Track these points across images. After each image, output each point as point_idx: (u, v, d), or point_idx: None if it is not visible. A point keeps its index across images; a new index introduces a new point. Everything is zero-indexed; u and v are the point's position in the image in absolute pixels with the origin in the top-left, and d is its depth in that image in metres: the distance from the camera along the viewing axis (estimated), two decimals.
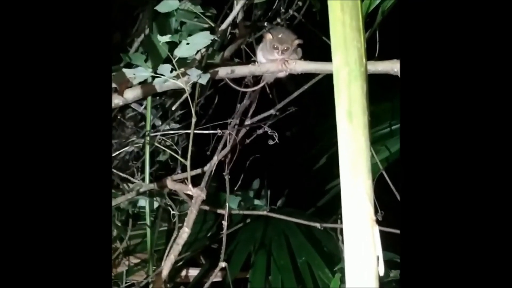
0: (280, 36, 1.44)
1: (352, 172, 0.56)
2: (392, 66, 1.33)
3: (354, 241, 0.56)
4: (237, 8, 1.63)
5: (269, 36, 1.45)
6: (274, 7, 2.01)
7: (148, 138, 1.56)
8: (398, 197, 1.60)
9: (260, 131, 1.63)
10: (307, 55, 1.51)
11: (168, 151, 1.53)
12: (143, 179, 1.81)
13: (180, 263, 1.87)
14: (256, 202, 2.11)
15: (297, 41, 1.43)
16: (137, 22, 2.15)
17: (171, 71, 1.34)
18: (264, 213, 1.81)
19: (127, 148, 1.64)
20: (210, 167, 1.48)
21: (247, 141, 1.74)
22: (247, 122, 1.66)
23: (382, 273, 0.55)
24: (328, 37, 0.61)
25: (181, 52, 1.31)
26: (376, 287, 0.54)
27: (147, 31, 1.82)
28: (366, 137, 0.57)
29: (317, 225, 1.70)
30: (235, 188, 2.07)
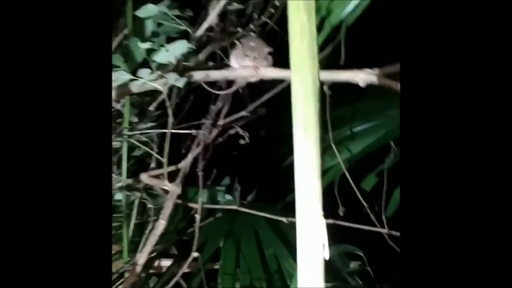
0: (251, 44, 1.55)
1: (306, 176, 0.68)
2: (353, 76, 1.46)
3: (305, 232, 0.68)
4: (212, 15, 1.74)
5: (241, 44, 1.57)
6: (248, 12, 2.12)
7: (126, 136, 1.66)
8: (359, 195, 1.74)
9: (232, 131, 1.75)
10: (278, 61, 1.63)
11: (146, 149, 1.63)
12: (120, 174, 1.90)
13: (153, 254, 1.96)
14: (227, 197, 2.21)
15: (267, 49, 1.55)
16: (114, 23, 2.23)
17: (149, 74, 1.44)
18: (234, 207, 1.92)
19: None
20: (185, 164, 1.59)
21: (220, 140, 1.86)
22: (220, 123, 1.78)
23: (327, 257, 0.67)
24: None
25: (160, 58, 1.42)
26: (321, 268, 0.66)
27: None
28: (318, 148, 0.68)
29: (283, 219, 1.83)
30: (207, 184, 2.18)
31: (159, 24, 1.66)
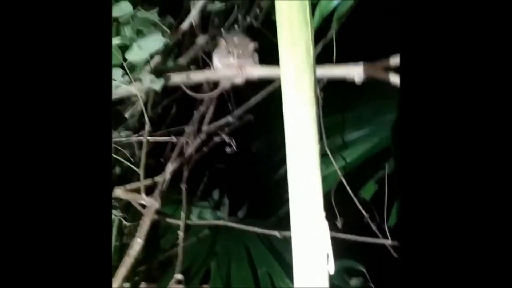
0: (234, 40, 1.41)
1: (301, 166, 0.53)
2: (349, 71, 1.32)
3: (303, 241, 0.52)
4: (192, 13, 1.60)
5: (223, 40, 1.42)
6: (233, 14, 2.00)
7: None
8: (358, 204, 1.60)
9: (217, 139, 1.60)
10: (265, 63, 1.49)
11: (119, 158, 1.47)
12: None
13: (136, 278, 1.79)
14: (216, 212, 2.06)
15: (252, 45, 1.41)
16: None
17: (122, 76, 1.29)
18: (221, 222, 1.76)
19: None
20: (164, 175, 1.43)
21: (205, 149, 1.71)
22: (204, 129, 1.62)
23: (332, 272, 0.52)
24: None
25: (132, 55, 1.27)
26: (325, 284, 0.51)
27: None
28: (315, 135, 0.53)
29: (276, 233, 1.67)
30: (194, 199, 2.03)
31: (139, 32, 1.52)
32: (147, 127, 1.33)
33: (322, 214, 0.52)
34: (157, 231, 1.83)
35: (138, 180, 1.66)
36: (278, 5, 0.56)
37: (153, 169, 1.69)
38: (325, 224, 0.52)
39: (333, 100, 1.68)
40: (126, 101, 1.68)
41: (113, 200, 1.66)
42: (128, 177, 2.05)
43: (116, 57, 1.31)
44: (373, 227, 1.60)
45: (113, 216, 1.77)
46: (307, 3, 0.58)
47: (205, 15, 1.95)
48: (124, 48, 1.31)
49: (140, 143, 1.82)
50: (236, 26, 1.88)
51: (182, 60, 1.69)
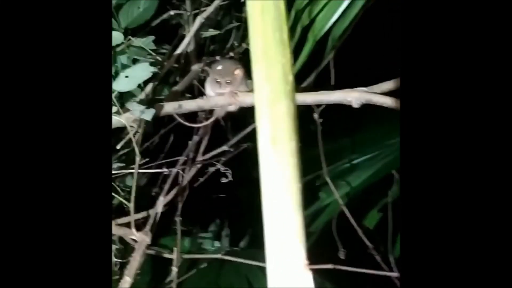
0: (218, 68, 1.36)
1: (277, 207, 0.47)
2: (345, 96, 1.26)
3: None
4: (185, 40, 1.56)
5: (209, 71, 1.38)
6: (230, 41, 1.97)
7: None
8: (360, 234, 1.53)
9: (212, 169, 1.54)
10: None
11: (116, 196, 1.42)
12: None
13: None
14: (216, 244, 2.00)
15: (238, 71, 1.35)
16: None
17: None
18: (218, 256, 1.69)
19: None
20: (155, 208, 1.37)
21: (201, 179, 1.65)
22: (199, 159, 1.57)
23: None
24: None
25: (119, 85, 1.22)
26: None
27: None
28: (294, 166, 0.48)
29: None
30: (194, 230, 1.97)
31: (135, 61, 1.48)
32: (138, 159, 1.27)
33: (303, 255, 0.46)
34: (154, 265, 1.76)
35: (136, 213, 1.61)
36: (250, 13, 0.51)
37: (152, 202, 1.64)
38: (308, 276, 0.46)
39: (335, 124, 1.62)
40: (119, 132, 1.64)
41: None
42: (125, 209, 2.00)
43: None
44: (378, 258, 1.52)
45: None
46: (282, 11, 0.52)
47: (201, 42, 1.93)
48: (113, 78, 1.27)
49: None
50: (231, 53, 1.84)
51: (177, 89, 1.65)
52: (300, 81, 1.52)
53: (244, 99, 1.34)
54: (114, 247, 1.68)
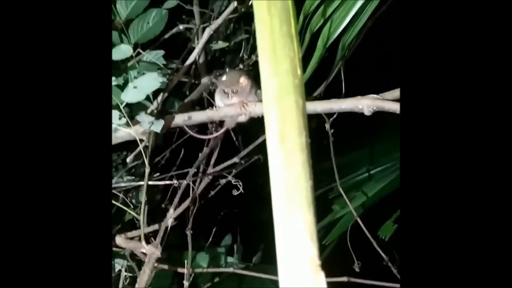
0: (224, 79, 1.35)
1: (287, 205, 0.45)
2: (357, 103, 1.24)
3: None
4: (195, 52, 1.56)
5: (216, 82, 1.38)
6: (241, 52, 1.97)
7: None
8: (376, 246, 1.49)
9: (223, 181, 1.52)
10: None
11: (119, 205, 1.40)
12: None
13: None
14: (229, 259, 1.96)
15: (243, 79, 1.34)
16: None
17: (120, 118, 1.24)
18: (231, 270, 1.66)
19: None
20: (165, 221, 1.35)
21: (212, 192, 1.63)
22: (209, 171, 1.55)
23: None
24: None
25: (128, 97, 1.21)
26: None
27: None
28: (304, 163, 0.46)
29: None
30: (206, 245, 1.94)
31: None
32: (147, 171, 1.26)
33: (317, 263, 0.43)
34: (165, 280, 1.73)
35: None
36: (256, 7, 0.49)
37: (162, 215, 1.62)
38: (321, 276, 0.43)
39: (349, 136, 1.60)
40: (128, 145, 1.63)
41: (118, 249, 1.58)
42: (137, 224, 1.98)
43: (113, 98, 1.26)
44: (394, 270, 1.48)
45: (118, 266, 1.69)
46: (289, 4, 0.50)
47: (210, 55, 1.92)
48: (122, 89, 1.26)
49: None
50: (241, 65, 1.84)
51: (187, 101, 1.64)
52: (310, 91, 1.50)
53: (254, 109, 1.32)
54: (124, 262, 1.66)
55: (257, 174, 1.93)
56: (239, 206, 2.13)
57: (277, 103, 0.46)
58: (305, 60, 1.25)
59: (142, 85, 1.20)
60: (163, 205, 1.54)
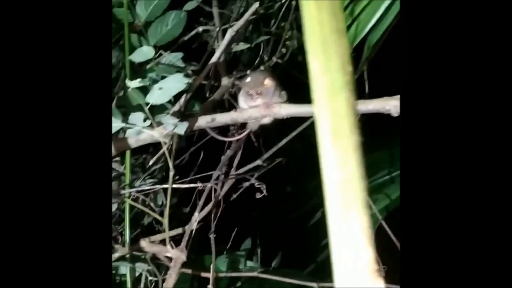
0: (248, 80, 1.34)
1: (343, 207, 0.43)
2: (384, 104, 1.22)
3: None
4: (217, 53, 1.54)
5: (240, 84, 1.36)
6: (260, 54, 1.95)
7: (126, 196, 1.41)
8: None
9: (246, 184, 1.50)
10: (293, 103, 1.41)
11: (143, 208, 1.38)
12: (123, 244, 1.65)
13: None
14: (248, 263, 1.94)
15: (268, 80, 1.32)
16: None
17: (144, 121, 1.22)
18: (255, 274, 1.64)
19: None
20: (190, 224, 1.33)
21: (234, 196, 1.61)
22: (232, 174, 1.53)
23: None
24: None
25: (153, 98, 1.20)
26: None
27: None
28: (358, 162, 0.44)
29: (314, 285, 1.53)
30: (226, 249, 1.92)
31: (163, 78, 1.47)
32: (172, 174, 1.24)
33: (374, 268, 0.41)
34: (184, 284, 1.72)
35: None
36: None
37: (182, 219, 1.60)
38: (379, 283, 0.41)
39: (375, 135, 1.58)
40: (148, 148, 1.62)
41: (139, 253, 1.57)
42: (153, 226, 1.97)
43: (137, 100, 1.25)
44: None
45: (140, 270, 1.68)
46: (338, 6, 0.48)
47: (230, 57, 1.91)
48: (145, 91, 1.25)
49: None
50: (262, 67, 1.82)
51: (208, 104, 1.63)
52: None
53: (279, 111, 1.31)
54: (145, 266, 1.65)
55: (278, 177, 1.91)
56: (257, 209, 2.11)
57: (329, 101, 0.44)
58: None
59: (168, 87, 1.19)
60: (187, 209, 1.52)
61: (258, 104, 1.33)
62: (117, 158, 1.80)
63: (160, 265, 1.73)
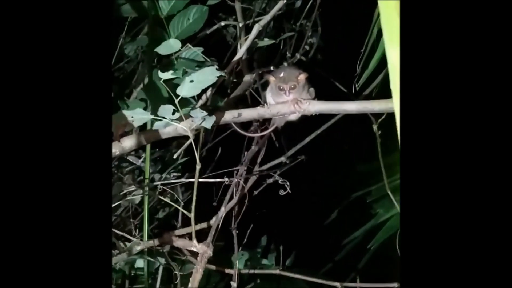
0: (282, 75, 1.32)
1: None
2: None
3: None
4: (243, 48, 1.53)
5: (272, 78, 1.34)
6: (280, 50, 1.94)
7: (147, 189, 1.40)
8: None
9: (270, 180, 1.49)
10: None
11: (170, 202, 1.37)
12: (141, 237, 1.64)
13: None
14: (264, 261, 1.93)
15: (302, 75, 1.31)
16: (136, 74, 2.06)
17: (173, 113, 1.21)
18: (277, 272, 1.63)
19: (122, 200, 1.48)
20: (217, 219, 1.32)
21: (255, 192, 1.60)
22: (256, 170, 1.52)
23: None
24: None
25: (184, 91, 1.18)
26: None
27: (146, 81, 1.71)
28: None
29: (337, 284, 1.52)
30: (242, 245, 1.91)
31: (184, 73, 1.46)
32: (198, 168, 1.23)
33: None
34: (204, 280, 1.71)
35: (185, 224, 1.56)
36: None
37: (200, 213, 1.59)
38: None
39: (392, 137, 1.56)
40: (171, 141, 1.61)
41: (158, 247, 1.56)
42: (172, 223, 1.96)
43: (166, 93, 1.24)
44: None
45: (158, 264, 1.67)
46: None
47: (251, 53, 1.90)
48: (172, 84, 1.23)
49: (183, 186, 1.74)
50: (285, 63, 1.81)
51: (231, 98, 1.62)
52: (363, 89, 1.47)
53: (308, 107, 1.29)
54: (163, 260, 1.64)
55: (298, 175, 1.90)
56: (275, 207, 2.10)
57: None
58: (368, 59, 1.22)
59: (199, 80, 1.17)
60: (214, 204, 1.51)
61: (286, 100, 1.31)
62: (132, 152, 1.79)
63: (175, 259, 1.72)
